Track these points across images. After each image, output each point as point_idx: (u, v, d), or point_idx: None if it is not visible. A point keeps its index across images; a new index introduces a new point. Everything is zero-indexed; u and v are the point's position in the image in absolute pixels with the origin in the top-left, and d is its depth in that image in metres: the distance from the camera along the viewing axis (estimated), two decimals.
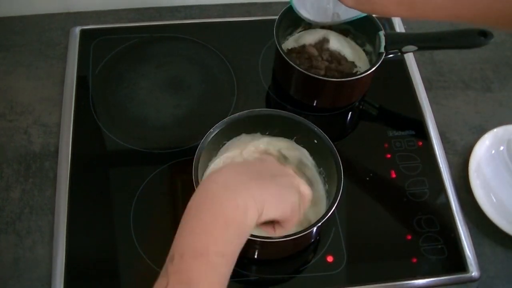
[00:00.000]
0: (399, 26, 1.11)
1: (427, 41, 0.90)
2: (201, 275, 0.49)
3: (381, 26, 0.93)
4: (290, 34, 1.02)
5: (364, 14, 0.92)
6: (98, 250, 0.81)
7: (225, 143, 0.84)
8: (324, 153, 0.79)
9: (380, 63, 0.90)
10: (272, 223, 0.62)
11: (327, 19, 0.95)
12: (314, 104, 0.97)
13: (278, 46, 0.91)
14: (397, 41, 0.91)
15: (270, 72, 1.02)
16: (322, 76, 0.93)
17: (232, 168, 0.59)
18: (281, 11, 0.95)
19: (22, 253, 0.80)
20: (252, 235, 0.70)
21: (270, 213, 0.56)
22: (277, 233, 0.63)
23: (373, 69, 0.89)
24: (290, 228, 0.62)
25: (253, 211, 0.54)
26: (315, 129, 0.80)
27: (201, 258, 0.49)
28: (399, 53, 0.91)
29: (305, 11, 0.93)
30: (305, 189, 0.63)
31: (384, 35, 0.91)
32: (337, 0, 0.82)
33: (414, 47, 0.89)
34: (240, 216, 0.52)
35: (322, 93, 0.95)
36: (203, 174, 0.81)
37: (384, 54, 0.90)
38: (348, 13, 0.93)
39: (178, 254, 0.50)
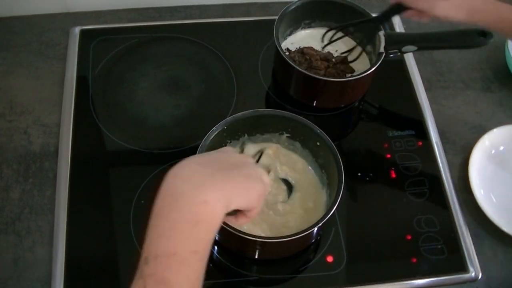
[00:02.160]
0: (398, 26, 1.11)
1: (427, 41, 0.90)
2: (177, 274, 0.50)
3: (381, 26, 0.93)
4: (290, 34, 1.02)
5: None
6: (98, 250, 0.81)
7: (228, 142, 0.84)
8: (326, 154, 0.79)
9: (380, 63, 0.90)
10: (233, 213, 0.62)
11: None
12: (314, 104, 0.97)
13: (278, 46, 0.91)
14: (397, 41, 0.91)
15: (270, 72, 1.02)
16: (322, 76, 0.93)
17: (195, 160, 0.58)
18: (281, 11, 0.95)
19: (21, 253, 0.80)
20: (252, 235, 0.70)
21: (237, 204, 0.57)
22: (239, 222, 0.63)
23: (373, 69, 0.89)
24: (253, 217, 0.62)
25: (221, 205, 0.54)
26: (318, 131, 0.80)
27: (174, 258, 0.50)
28: (399, 53, 0.91)
29: None
30: (265, 177, 0.63)
31: (384, 35, 0.91)
32: None
33: (414, 47, 0.89)
34: (208, 212, 0.53)
35: (322, 93, 0.95)
36: None
37: (384, 54, 0.90)
38: None
39: (152, 256, 0.50)
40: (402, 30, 1.11)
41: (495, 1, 0.82)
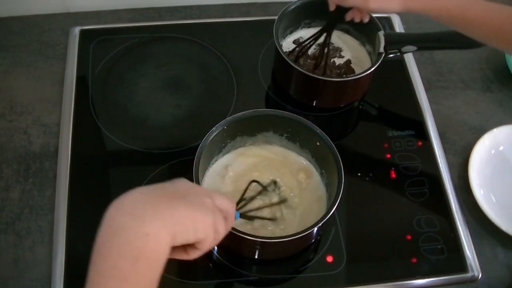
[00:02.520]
0: (398, 26, 1.11)
1: (427, 41, 0.90)
2: None
3: (381, 26, 0.93)
4: (291, 33, 1.02)
5: None
6: None
7: (228, 142, 0.84)
8: (326, 154, 0.79)
9: (380, 63, 0.90)
10: (183, 246, 0.57)
11: None
12: (314, 104, 0.97)
13: (277, 46, 0.91)
14: (396, 41, 0.91)
15: (270, 72, 1.02)
16: (321, 76, 0.93)
17: (138, 189, 0.54)
18: (281, 11, 0.95)
19: (21, 253, 0.80)
20: (251, 235, 0.70)
21: (183, 236, 0.52)
22: (191, 256, 0.58)
23: (373, 69, 0.89)
24: (206, 249, 0.57)
25: (165, 236, 0.50)
26: (318, 131, 0.80)
27: None
28: (399, 53, 0.91)
29: None
30: (223, 202, 0.59)
31: (384, 35, 0.91)
32: None
33: (413, 47, 0.89)
34: (151, 246, 0.49)
35: (321, 93, 0.95)
36: (204, 174, 0.81)
37: (383, 54, 0.90)
38: None
39: None
40: (402, 30, 1.10)
41: None
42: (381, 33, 0.91)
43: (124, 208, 0.51)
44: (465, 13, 0.77)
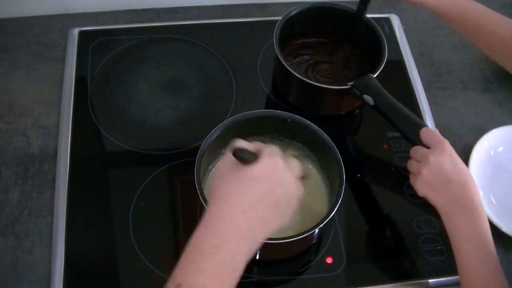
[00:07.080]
0: (397, 26, 1.11)
1: (383, 105, 0.83)
2: None
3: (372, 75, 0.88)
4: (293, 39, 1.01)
5: None
6: (97, 252, 0.81)
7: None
8: (327, 155, 0.79)
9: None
10: None
11: None
12: (315, 111, 0.96)
13: (277, 52, 0.90)
14: (362, 85, 0.86)
15: (269, 73, 1.02)
16: (321, 83, 0.91)
17: (247, 185, 0.59)
18: (283, 15, 0.94)
19: (21, 255, 0.80)
20: None
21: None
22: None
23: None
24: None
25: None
26: (319, 132, 0.80)
27: None
28: (359, 96, 0.86)
29: None
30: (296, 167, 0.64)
31: (362, 78, 0.86)
32: None
33: (372, 102, 0.84)
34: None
35: (321, 100, 0.95)
36: (205, 175, 0.81)
37: (348, 89, 0.87)
38: None
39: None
40: (402, 31, 1.10)
41: None
42: (370, 75, 0.87)
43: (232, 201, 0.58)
44: (480, 19, 0.81)
